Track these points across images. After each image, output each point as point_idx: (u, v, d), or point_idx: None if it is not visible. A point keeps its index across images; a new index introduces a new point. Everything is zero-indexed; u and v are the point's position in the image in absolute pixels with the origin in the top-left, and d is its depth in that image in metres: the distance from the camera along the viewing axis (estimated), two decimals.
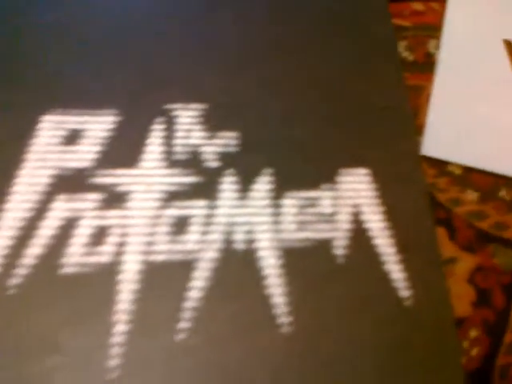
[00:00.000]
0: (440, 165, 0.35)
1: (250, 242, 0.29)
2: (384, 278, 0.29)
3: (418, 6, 0.40)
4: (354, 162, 0.32)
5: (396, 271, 0.29)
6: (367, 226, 0.30)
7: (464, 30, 0.39)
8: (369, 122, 0.34)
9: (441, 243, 0.31)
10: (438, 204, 0.33)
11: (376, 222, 0.31)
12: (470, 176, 0.34)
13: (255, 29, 0.36)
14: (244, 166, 0.31)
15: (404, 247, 0.30)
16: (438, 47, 0.38)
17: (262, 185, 0.31)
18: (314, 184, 0.31)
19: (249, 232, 0.29)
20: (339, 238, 0.30)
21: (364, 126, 0.33)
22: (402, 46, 0.38)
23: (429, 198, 0.32)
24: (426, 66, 0.38)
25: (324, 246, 0.29)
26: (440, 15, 0.40)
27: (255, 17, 0.37)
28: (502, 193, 0.34)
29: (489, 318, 0.30)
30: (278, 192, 0.31)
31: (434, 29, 0.40)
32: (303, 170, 0.31)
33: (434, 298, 0.29)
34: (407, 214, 0.31)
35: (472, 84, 0.37)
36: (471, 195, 0.34)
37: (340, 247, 0.29)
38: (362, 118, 0.34)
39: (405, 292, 0.29)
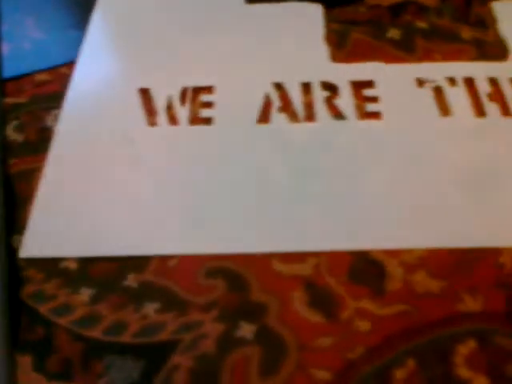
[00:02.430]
0: (51, 264, 0.27)
1: None
2: None
3: (43, 77, 0.34)
4: None
5: None
6: None
7: (89, 89, 0.32)
8: None
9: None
10: (39, 320, 0.25)
11: None
12: (89, 269, 0.26)
13: None
14: None
15: None
16: (57, 118, 0.31)
17: None
18: None
19: None
20: None
21: None
22: (11, 127, 0.31)
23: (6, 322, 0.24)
24: (42, 144, 0.31)
25: None
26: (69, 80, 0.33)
27: None
28: (129, 280, 0.26)
29: None
30: None
31: (59, 98, 0.33)
32: None
33: None
34: None
35: (93, 155, 0.30)
36: (84, 295, 0.25)
37: None
38: None
39: None
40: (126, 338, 0.25)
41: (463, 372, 0.23)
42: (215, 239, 0.27)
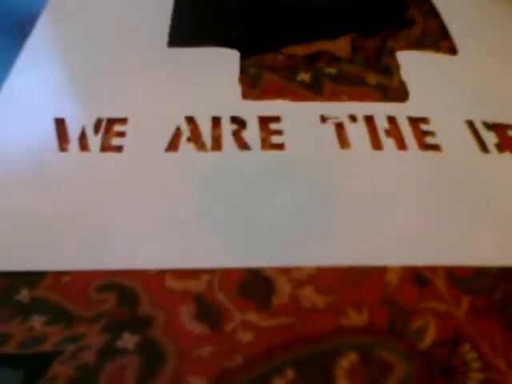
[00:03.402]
0: None
1: None
2: None
3: None
4: None
5: None
6: None
7: (8, 117, 0.33)
8: None
9: None
10: None
11: None
12: None
13: None
14: None
15: None
16: None
17: None
18: None
19: None
20: None
21: None
22: None
23: None
24: None
25: None
26: None
27: None
28: (22, 295, 0.26)
29: None
30: None
31: None
32: None
33: None
34: None
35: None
36: None
37: None
38: None
39: None
40: (8, 349, 0.24)
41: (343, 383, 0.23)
42: (110, 255, 0.27)
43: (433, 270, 0.27)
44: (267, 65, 0.39)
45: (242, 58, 0.39)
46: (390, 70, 0.39)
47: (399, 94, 0.37)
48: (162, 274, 0.27)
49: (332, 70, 0.38)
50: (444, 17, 0.43)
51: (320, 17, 0.42)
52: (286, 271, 0.27)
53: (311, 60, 0.40)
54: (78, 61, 0.38)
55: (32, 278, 0.27)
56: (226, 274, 0.27)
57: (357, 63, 0.40)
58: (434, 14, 0.45)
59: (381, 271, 0.27)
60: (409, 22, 0.44)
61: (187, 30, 0.40)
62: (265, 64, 0.39)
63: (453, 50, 0.40)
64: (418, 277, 0.27)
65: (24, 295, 0.26)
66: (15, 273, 0.27)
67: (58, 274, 0.27)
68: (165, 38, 0.40)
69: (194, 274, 0.27)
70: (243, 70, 0.38)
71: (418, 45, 0.41)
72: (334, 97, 0.36)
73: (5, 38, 0.40)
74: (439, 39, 0.42)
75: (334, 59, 0.40)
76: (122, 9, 0.42)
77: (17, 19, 0.41)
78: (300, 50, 0.41)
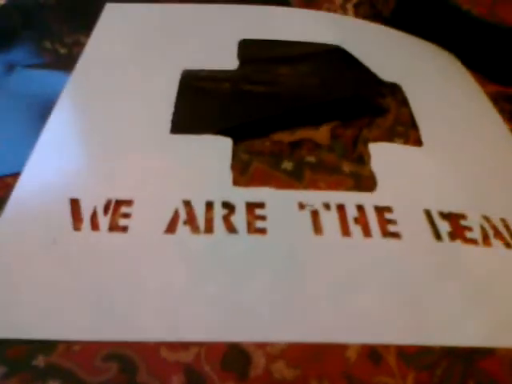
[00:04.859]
0: None
1: None
2: None
3: None
4: None
5: None
6: None
7: (29, 196, 0.39)
8: None
9: None
10: None
11: None
12: (5, 349, 0.31)
13: None
14: None
15: None
16: None
17: None
18: None
19: None
20: None
21: None
22: None
23: None
24: None
25: None
26: None
27: None
28: (38, 361, 0.31)
29: None
30: None
31: (2, 203, 0.39)
32: None
33: None
34: None
35: (19, 251, 0.36)
36: None
37: None
38: None
39: None
40: None
41: None
42: (114, 327, 0.33)
43: (386, 347, 0.33)
44: (256, 150, 0.45)
45: (235, 142, 0.45)
46: (363, 159, 0.45)
47: (369, 182, 0.42)
48: (157, 345, 0.32)
49: (312, 159, 0.44)
50: (413, 108, 0.49)
51: (306, 106, 0.48)
52: (261, 346, 0.32)
53: (295, 147, 0.46)
54: (91, 145, 0.44)
55: (47, 346, 0.32)
56: (211, 347, 0.32)
57: (335, 151, 0.45)
58: (407, 103, 0.51)
59: (342, 348, 0.33)
60: (383, 111, 0.50)
61: (187, 118, 0.46)
62: (254, 149, 0.45)
63: (419, 142, 0.46)
64: (373, 353, 0.32)
65: (40, 361, 0.32)
66: (32, 341, 0.32)
67: (69, 344, 0.32)
68: (168, 125, 0.45)
69: (184, 346, 0.32)
70: (235, 155, 0.44)
71: (390, 134, 0.47)
72: (313, 183, 0.42)
73: (26, 120, 0.46)
74: (409, 129, 0.48)
75: (315, 146, 0.46)
76: (133, 96, 0.48)
77: (36, 102, 0.47)
78: (285, 136, 0.47)
